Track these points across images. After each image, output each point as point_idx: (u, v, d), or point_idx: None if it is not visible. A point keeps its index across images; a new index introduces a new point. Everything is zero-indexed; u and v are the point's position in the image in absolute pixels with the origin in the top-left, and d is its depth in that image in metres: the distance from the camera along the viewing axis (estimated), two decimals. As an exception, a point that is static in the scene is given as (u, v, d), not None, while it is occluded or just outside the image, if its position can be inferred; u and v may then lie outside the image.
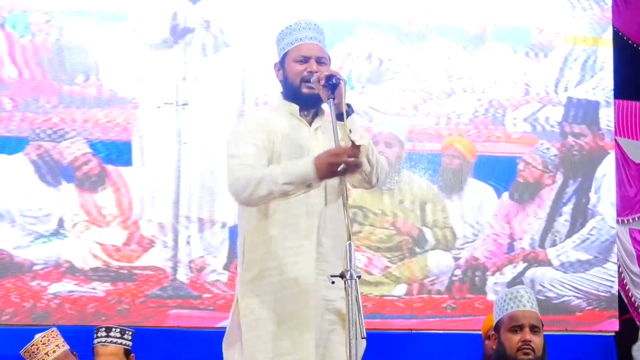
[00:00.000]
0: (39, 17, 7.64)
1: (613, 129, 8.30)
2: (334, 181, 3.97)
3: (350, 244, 3.53)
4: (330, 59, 4.20)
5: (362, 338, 3.42)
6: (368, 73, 8.01)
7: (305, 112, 4.16)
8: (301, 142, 4.10)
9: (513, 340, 4.26)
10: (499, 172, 8.05)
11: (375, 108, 7.92)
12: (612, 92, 8.31)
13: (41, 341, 5.45)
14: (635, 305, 8.19)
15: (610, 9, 8.40)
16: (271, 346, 4.02)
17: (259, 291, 4.06)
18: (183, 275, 7.49)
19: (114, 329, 5.78)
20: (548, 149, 8.14)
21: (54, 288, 7.34)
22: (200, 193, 7.57)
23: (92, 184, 7.52)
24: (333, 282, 3.56)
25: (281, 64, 4.20)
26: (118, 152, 7.58)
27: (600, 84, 8.31)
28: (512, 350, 4.25)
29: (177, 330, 7.45)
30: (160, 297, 7.46)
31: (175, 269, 7.49)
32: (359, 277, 3.49)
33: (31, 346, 5.46)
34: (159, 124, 7.63)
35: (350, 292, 3.40)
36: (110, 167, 7.56)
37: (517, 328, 4.28)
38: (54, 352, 5.44)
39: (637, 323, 8.17)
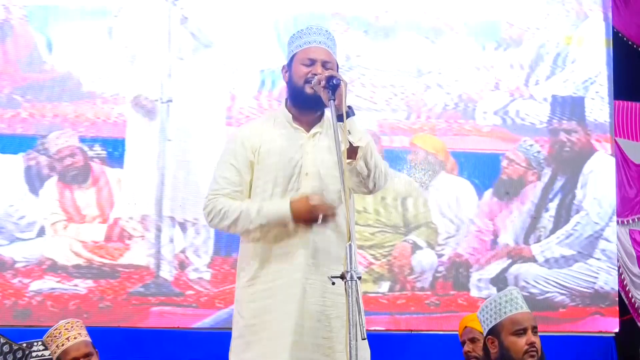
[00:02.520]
0: (17, 11, 7.59)
1: (613, 119, 8.33)
2: (332, 187, 4.00)
3: (350, 245, 3.52)
4: (337, 65, 4.22)
5: (362, 339, 3.41)
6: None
7: (303, 120, 4.16)
8: (292, 150, 4.13)
9: (519, 344, 4.27)
10: (482, 169, 8.05)
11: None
12: (584, 87, 8.32)
13: (64, 326, 5.42)
14: (636, 306, 8.20)
15: (581, 4, 8.40)
16: (256, 354, 4.02)
17: (250, 297, 4.09)
18: (166, 273, 7.47)
19: (35, 344, 5.72)
20: (531, 145, 8.15)
21: (36, 285, 7.29)
22: (184, 190, 7.54)
23: (74, 179, 7.48)
24: (334, 283, 3.55)
25: (288, 66, 4.22)
26: (103, 149, 7.54)
27: (571, 78, 8.32)
28: (519, 354, 4.26)
29: (159, 330, 7.41)
30: (142, 294, 7.43)
31: (158, 266, 7.47)
32: (360, 277, 3.48)
33: (54, 330, 5.43)
34: (143, 121, 7.58)
35: (350, 293, 3.38)
36: (94, 164, 7.52)
37: (521, 331, 4.30)
38: (75, 338, 5.40)
39: (638, 324, 8.19)
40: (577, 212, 8.16)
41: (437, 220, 7.93)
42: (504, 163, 8.10)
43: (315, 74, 4.06)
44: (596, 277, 8.09)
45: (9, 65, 7.58)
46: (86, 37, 7.64)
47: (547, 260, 8.04)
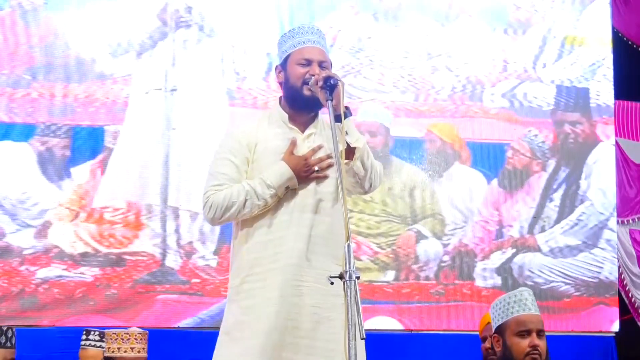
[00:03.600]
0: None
1: (614, 119, 8.34)
2: (326, 188, 4.01)
3: (349, 245, 3.52)
4: (331, 64, 4.20)
5: (362, 339, 3.42)
6: (347, 50, 8.01)
7: (298, 120, 4.16)
8: (286, 148, 4.10)
9: (521, 345, 4.25)
10: (487, 159, 8.08)
11: (355, 85, 7.92)
12: (591, 70, 8.33)
13: (135, 336, 5.44)
14: (636, 305, 8.22)
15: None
16: (240, 350, 4.04)
17: (240, 296, 4.08)
18: (172, 261, 7.48)
19: (92, 332, 5.75)
20: (536, 135, 8.16)
21: (42, 273, 7.31)
22: (189, 178, 7.54)
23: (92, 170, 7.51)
24: (332, 283, 3.55)
25: (282, 67, 4.18)
26: (111, 138, 7.56)
27: (578, 61, 8.33)
28: (520, 356, 4.23)
29: (176, 330, 7.44)
30: (148, 282, 7.44)
31: (164, 254, 7.48)
32: (358, 277, 3.48)
33: (125, 333, 5.46)
34: (148, 110, 7.60)
35: (349, 293, 3.39)
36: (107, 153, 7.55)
37: (524, 333, 4.26)
38: (139, 352, 5.44)
39: (638, 324, 8.20)
40: (582, 202, 8.19)
41: (446, 211, 7.94)
42: (509, 153, 8.12)
43: (313, 75, 4.04)
44: (601, 267, 8.12)
45: (20, 47, 7.56)
46: (87, 25, 7.64)
47: (551, 250, 8.07)
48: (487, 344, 5.73)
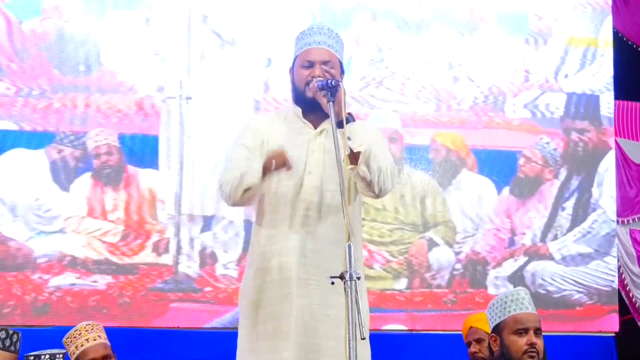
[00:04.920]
0: (46, 3, 7.66)
1: (614, 119, 8.33)
2: (333, 186, 4.03)
3: (349, 246, 3.54)
4: (341, 62, 4.23)
5: (362, 339, 3.43)
6: (368, 60, 8.04)
7: (311, 115, 4.19)
8: (299, 148, 4.15)
9: (519, 343, 4.26)
10: (499, 167, 8.07)
11: (376, 96, 7.94)
12: (612, 80, 8.33)
13: (84, 328, 5.46)
14: (636, 305, 8.20)
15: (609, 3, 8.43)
16: (252, 346, 4.09)
17: (250, 290, 4.14)
18: (185, 268, 7.50)
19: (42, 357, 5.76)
20: (548, 143, 8.15)
21: (56, 281, 7.34)
22: (204, 187, 7.57)
23: (107, 176, 7.54)
24: (333, 283, 3.57)
25: (291, 69, 4.27)
26: (131, 147, 7.62)
27: (600, 71, 8.33)
28: (518, 354, 4.24)
29: (176, 331, 7.46)
30: (161, 290, 7.46)
31: (177, 262, 7.49)
32: (359, 278, 3.49)
33: (74, 331, 5.46)
34: (163, 118, 7.63)
35: (350, 293, 3.40)
36: (126, 164, 7.59)
37: (522, 331, 4.28)
38: (94, 340, 5.44)
39: (638, 324, 8.18)
40: (594, 210, 8.17)
41: (457, 218, 7.94)
42: (521, 161, 8.10)
43: (314, 77, 4.08)
44: (613, 275, 8.10)
45: (42, 58, 7.61)
46: (103, 32, 7.69)
47: (564, 258, 8.05)
48: (473, 349, 5.77)
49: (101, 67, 7.64)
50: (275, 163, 3.97)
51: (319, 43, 4.20)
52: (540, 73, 8.27)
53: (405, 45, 8.10)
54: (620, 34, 8.50)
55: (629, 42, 8.56)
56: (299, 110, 4.23)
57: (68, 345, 5.50)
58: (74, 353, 5.44)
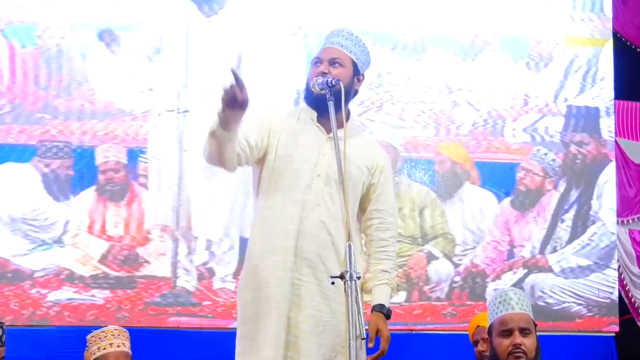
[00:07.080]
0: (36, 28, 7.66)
1: (614, 137, 8.33)
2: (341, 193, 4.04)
3: (350, 245, 3.54)
4: (353, 62, 4.29)
5: (362, 339, 3.43)
6: (367, 85, 8.03)
7: (324, 119, 4.19)
8: (310, 149, 4.19)
9: (503, 344, 4.20)
10: (498, 179, 8.06)
11: (374, 120, 7.94)
12: (613, 102, 8.33)
13: (112, 332, 5.41)
14: (636, 305, 8.20)
15: (611, 20, 8.43)
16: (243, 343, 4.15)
17: (245, 289, 4.16)
18: (183, 282, 7.49)
19: None
20: (546, 154, 8.15)
21: (54, 296, 7.33)
22: (201, 200, 7.56)
23: (110, 192, 7.54)
24: (333, 283, 3.58)
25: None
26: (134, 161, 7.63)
27: (601, 94, 8.32)
28: (503, 355, 4.19)
29: (176, 330, 7.46)
30: (159, 304, 7.45)
31: (175, 276, 7.49)
32: (359, 277, 3.50)
33: (101, 332, 5.41)
34: (160, 132, 7.63)
35: (350, 293, 3.40)
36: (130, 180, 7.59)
37: (506, 332, 4.22)
38: (118, 346, 5.39)
39: (638, 324, 8.17)
40: (594, 222, 8.17)
41: (457, 231, 7.93)
42: (521, 174, 8.10)
43: (321, 72, 4.15)
44: (613, 287, 8.09)
45: (39, 86, 7.62)
46: (97, 49, 7.69)
47: (563, 271, 8.05)
48: (480, 347, 5.73)
49: (100, 98, 7.64)
50: (226, 101, 3.88)
51: (332, 43, 4.32)
52: (540, 97, 8.25)
53: (404, 69, 8.08)
54: (619, 35, 8.52)
55: (628, 43, 8.58)
56: (314, 113, 4.24)
57: (91, 343, 5.46)
58: (94, 353, 5.40)
